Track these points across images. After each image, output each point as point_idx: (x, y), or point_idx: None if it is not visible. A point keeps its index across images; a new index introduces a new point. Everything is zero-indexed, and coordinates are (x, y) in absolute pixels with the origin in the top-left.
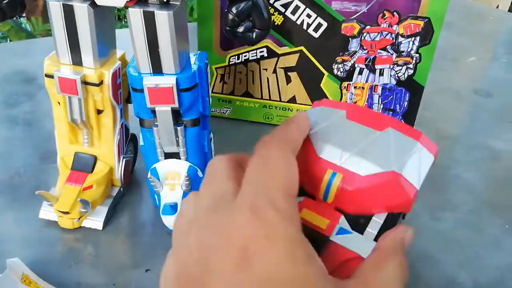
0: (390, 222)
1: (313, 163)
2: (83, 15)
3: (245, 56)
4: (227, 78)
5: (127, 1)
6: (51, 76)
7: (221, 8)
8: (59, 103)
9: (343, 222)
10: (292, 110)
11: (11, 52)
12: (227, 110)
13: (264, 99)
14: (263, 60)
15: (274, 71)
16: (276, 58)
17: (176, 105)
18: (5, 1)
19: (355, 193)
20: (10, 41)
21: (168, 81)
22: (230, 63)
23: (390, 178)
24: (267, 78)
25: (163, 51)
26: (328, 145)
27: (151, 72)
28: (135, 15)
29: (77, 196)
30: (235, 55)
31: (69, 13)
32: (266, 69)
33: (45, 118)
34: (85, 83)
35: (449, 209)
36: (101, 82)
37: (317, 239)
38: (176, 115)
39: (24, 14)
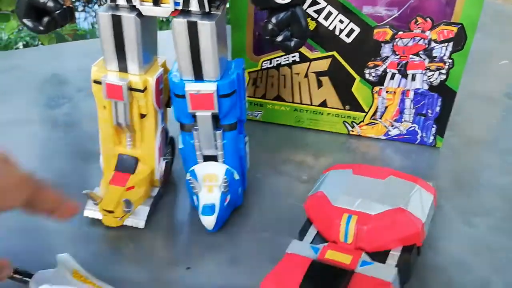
0: (406, 253)
1: (329, 211)
2: (130, 24)
3: (277, 61)
4: (259, 82)
5: (171, 12)
6: (98, 82)
7: (254, 14)
8: (104, 107)
9: (365, 256)
10: (322, 114)
11: (47, 55)
12: (258, 113)
13: (295, 103)
14: (295, 65)
15: (306, 76)
16: (308, 63)
17: (216, 110)
18: (58, 12)
19: (370, 231)
20: (39, 41)
21: (209, 87)
22: (263, 67)
23: (398, 213)
24: (299, 82)
25: (205, 59)
26: (340, 195)
27: (193, 78)
28: (179, 25)
29: (120, 196)
30: (267, 60)
31: (117, 23)
32: (298, 74)
33: (83, 120)
34: (130, 89)
35: (481, 214)
36: (145, 88)
37: (343, 274)
38: (215, 119)
39: None
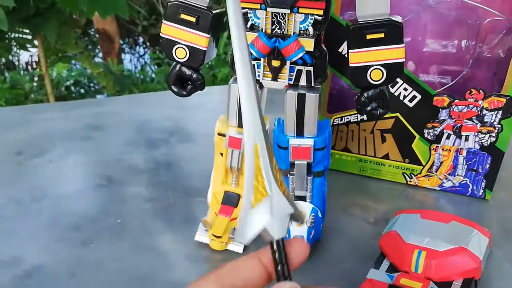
0: (466, 284)
1: (403, 247)
2: None
3: (347, 118)
4: None
5: (285, 85)
6: (222, 135)
7: (331, 78)
8: (221, 154)
9: (432, 285)
10: (384, 165)
11: (131, 103)
12: None
13: (361, 154)
14: (363, 123)
15: (372, 132)
16: (374, 122)
17: (311, 160)
18: (199, 82)
19: (437, 264)
20: (88, 80)
21: (308, 142)
22: (334, 123)
23: (461, 251)
24: (365, 137)
25: (307, 121)
26: (412, 235)
27: (295, 135)
28: (291, 96)
29: (227, 225)
30: (338, 117)
31: None
32: (364, 130)
33: (180, 160)
34: None
35: None
36: None
37: None
38: (308, 167)
39: (101, 55)
